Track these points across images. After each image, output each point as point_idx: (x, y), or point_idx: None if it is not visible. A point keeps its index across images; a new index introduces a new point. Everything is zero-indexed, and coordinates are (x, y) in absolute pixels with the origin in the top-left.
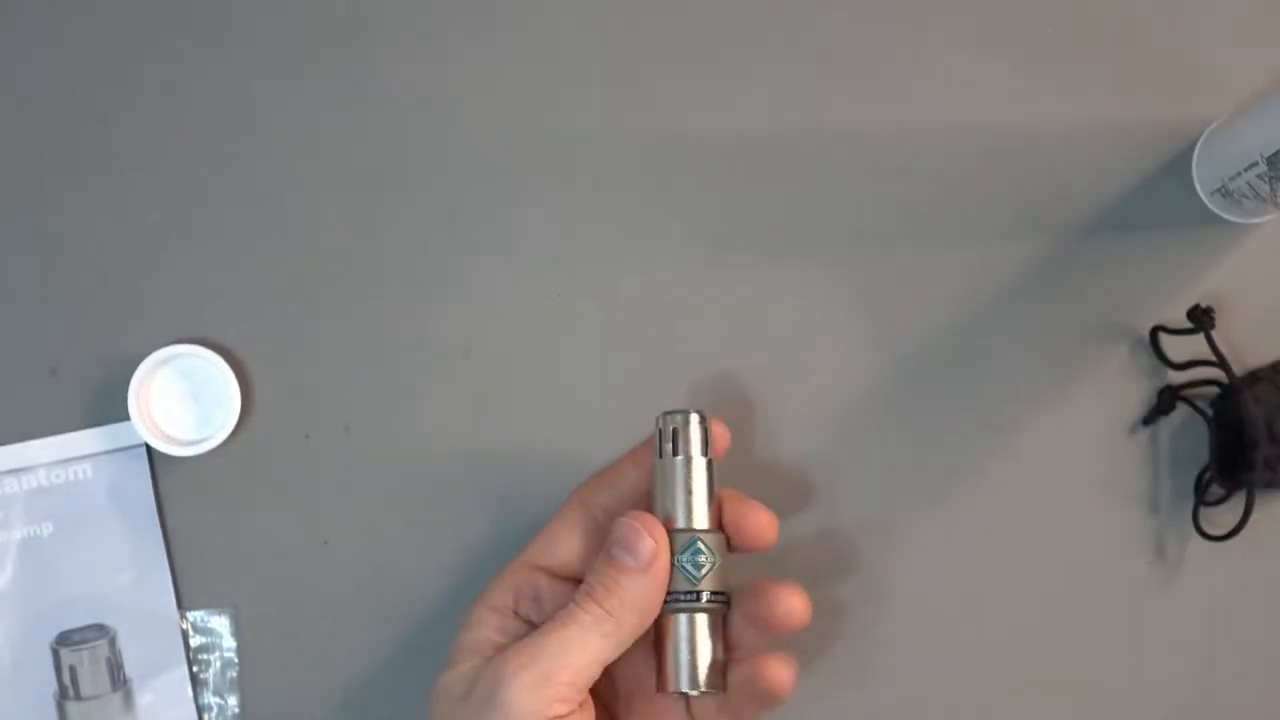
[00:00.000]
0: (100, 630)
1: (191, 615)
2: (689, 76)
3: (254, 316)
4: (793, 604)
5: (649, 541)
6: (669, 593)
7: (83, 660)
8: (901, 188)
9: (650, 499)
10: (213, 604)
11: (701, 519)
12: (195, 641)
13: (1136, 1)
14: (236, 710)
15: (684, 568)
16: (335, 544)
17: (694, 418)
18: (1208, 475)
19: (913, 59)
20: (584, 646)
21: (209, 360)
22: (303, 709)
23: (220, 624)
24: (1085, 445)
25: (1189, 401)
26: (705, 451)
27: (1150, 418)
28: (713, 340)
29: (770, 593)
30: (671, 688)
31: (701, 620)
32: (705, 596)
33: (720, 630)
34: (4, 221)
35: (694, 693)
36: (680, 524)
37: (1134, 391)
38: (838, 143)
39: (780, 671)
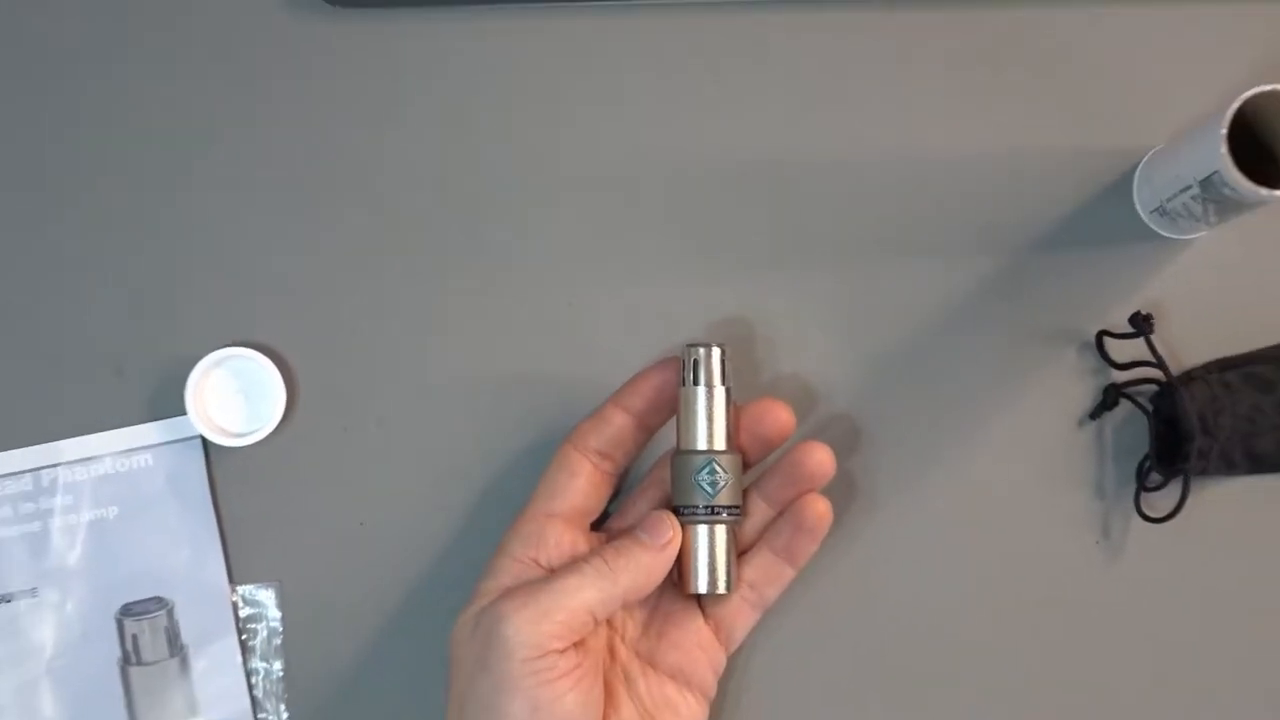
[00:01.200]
0: (159, 602)
1: (241, 589)
2: (694, 110)
3: (297, 323)
4: (820, 456)
5: (669, 530)
6: (689, 505)
7: (144, 629)
8: (878, 208)
9: (676, 422)
10: (260, 579)
11: (720, 440)
12: (244, 612)
13: (1086, 41)
14: (280, 674)
15: (701, 485)
16: (369, 524)
17: (715, 350)
18: (1148, 464)
19: (891, 96)
20: (579, 592)
21: (257, 361)
22: (340, 672)
23: (267, 597)
24: (1039, 437)
25: (1131, 398)
26: (724, 381)
27: (1096, 413)
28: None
29: (799, 450)
30: (690, 589)
31: (719, 531)
32: (721, 510)
33: (734, 540)
34: (78, 238)
35: (710, 592)
36: (701, 445)
37: (1082, 389)
38: (825, 169)
39: (819, 503)
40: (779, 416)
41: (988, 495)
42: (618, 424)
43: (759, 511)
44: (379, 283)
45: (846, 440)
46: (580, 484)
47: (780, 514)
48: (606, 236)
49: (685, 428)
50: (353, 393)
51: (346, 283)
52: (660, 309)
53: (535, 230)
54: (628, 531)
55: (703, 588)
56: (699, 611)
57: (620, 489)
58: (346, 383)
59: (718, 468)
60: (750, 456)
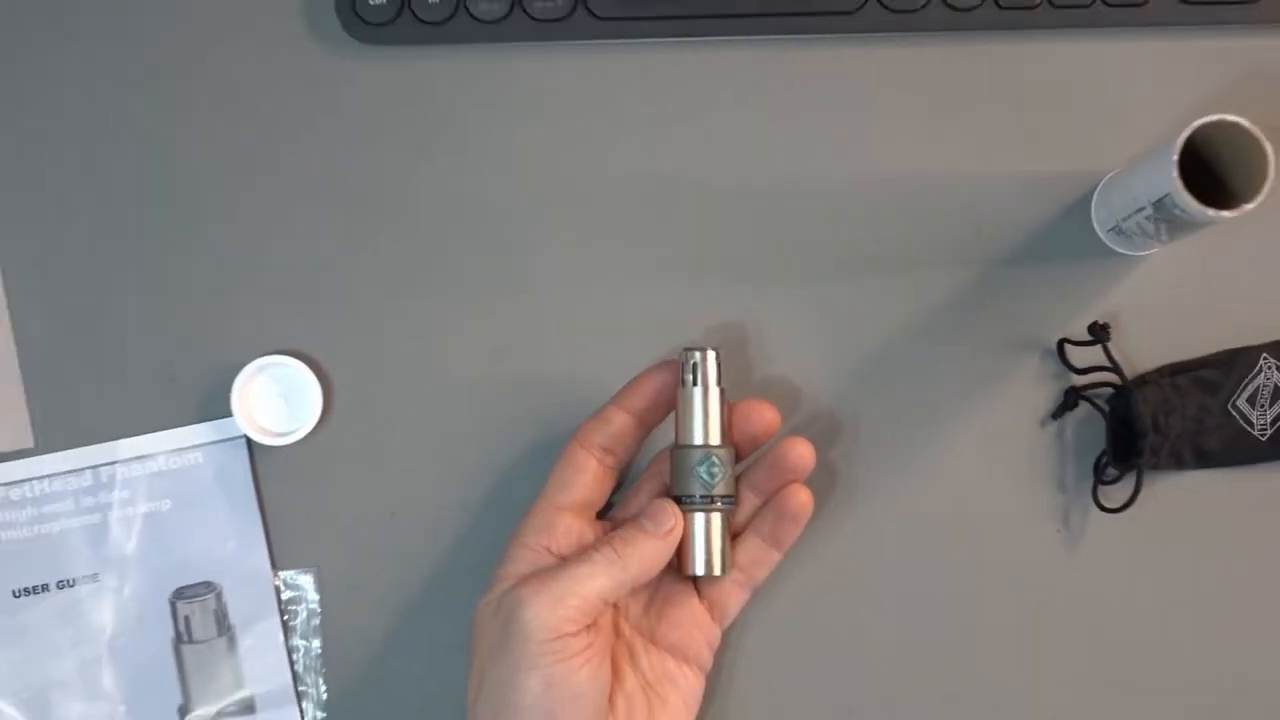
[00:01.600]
0: (209, 586)
1: (283, 574)
2: (696, 137)
3: (332, 333)
4: (802, 450)
5: (671, 518)
6: (688, 495)
7: (194, 611)
8: (860, 226)
9: (675, 419)
10: (300, 564)
11: (715, 436)
12: (286, 595)
13: (1048, 72)
14: (319, 651)
15: (700, 476)
16: (400, 515)
17: (711, 354)
18: (1104, 459)
19: (870, 124)
20: (592, 578)
21: (296, 368)
22: (373, 650)
23: (306, 581)
24: (1006, 435)
25: (1089, 400)
26: (719, 382)
27: (1058, 413)
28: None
29: (782, 444)
30: (689, 571)
31: (715, 518)
32: (717, 500)
33: (728, 526)
34: (135, 258)
35: (707, 574)
36: (698, 441)
37: (1045, 392)
38: (811, 190)
39: (801, 493)
40: (765, 414)
41: (958, 487)
42: (619, 422)
43: (748, 501)
44: (406, 296)
45: (828, 435)
46: (586, 478)
47: (766, 503)
48: (613, 252)
49: (684, 424)
50: (382, 396)
51: (377, 297)
52: (661, 318)
53: (548, 248)
54: (632, 520)
55: (700, 570)
56: (695, 592)
57: (622, 482)
58: (377, 387)
59: (715, 460)
60: (740, 450)
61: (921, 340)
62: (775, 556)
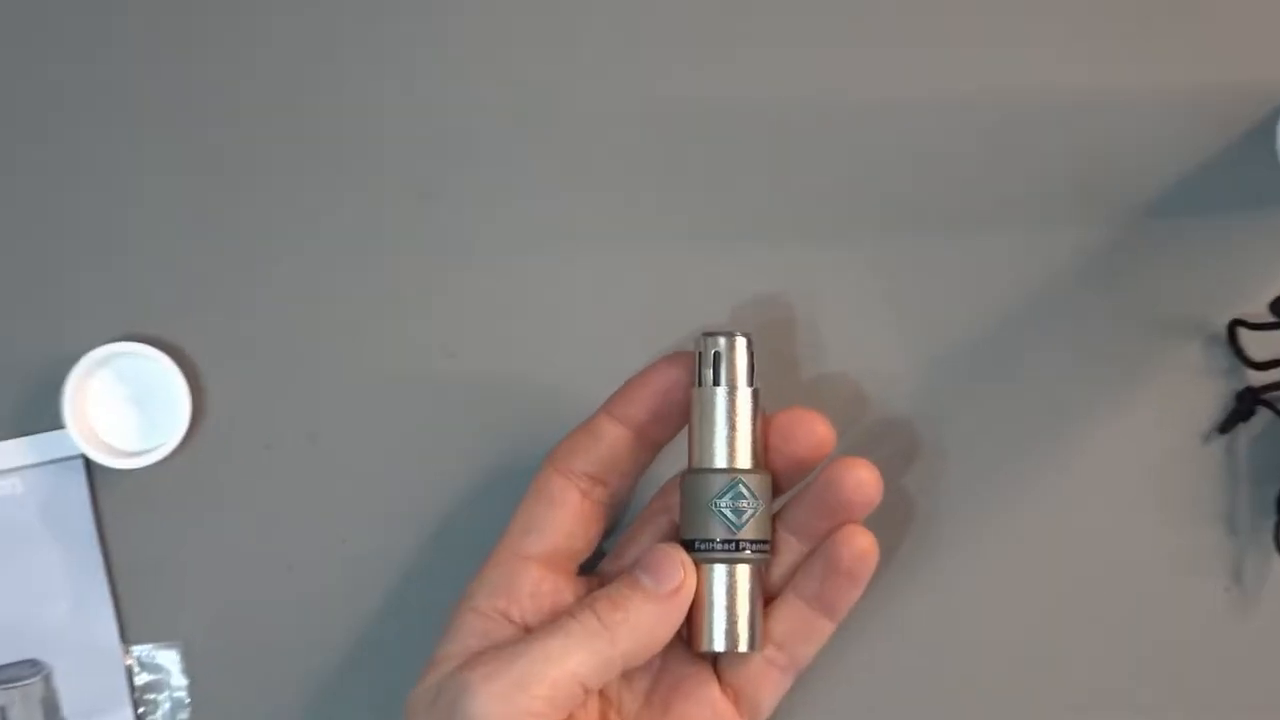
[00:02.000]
0: (33, 666)
1: (136, 650)
2: (704, 39)
3: (206, 310)
4: (862, 475)
5: (678, 571)
6: (704, 540)
7: (14, 700)
8: (946, 163)
9: (688, 433)
10: (160, 637)
11: (745, 457)
12: (141, 679)
13: None
14: None
15: (722, 513)
16: (301, 569)
17: (740, 341)
18: None
19: (954, 15)
20: (565, 657)
21: (155, 360)
22: None
23: (169, 660)
24: (1150, 455)
25: (1272, 406)
26: (750, 380)
27: (1227, 424)
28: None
29: (834, 468)
30: (704, 646)
31: (741, 573)
32: (746, 546)
33: (761, 584)
34: None
35: (729, 650)
36: (720, 463)
37: (1208, 394)
38: (877, 111)
39: (859, 537)
40: (815, 429)
41: (1084, 527)
42: (611, 439)
43: (788, 549)
44: (312, 264)
45: (903, 457)
46: (564, 516)
47: (814, 552)
48: (597, 204)
49: (701, 440)
50: (278, 401)
51: (270, 263)
52: (668, 293)
53: (504, 199)
54: (625, 575)
55: (720, 644)
56: (714, 677)
57: (617, 524)
58: (270, 388)
59: (743, 490)
60: (779, 479)
61: (1032, 321)
62: (826, 627)
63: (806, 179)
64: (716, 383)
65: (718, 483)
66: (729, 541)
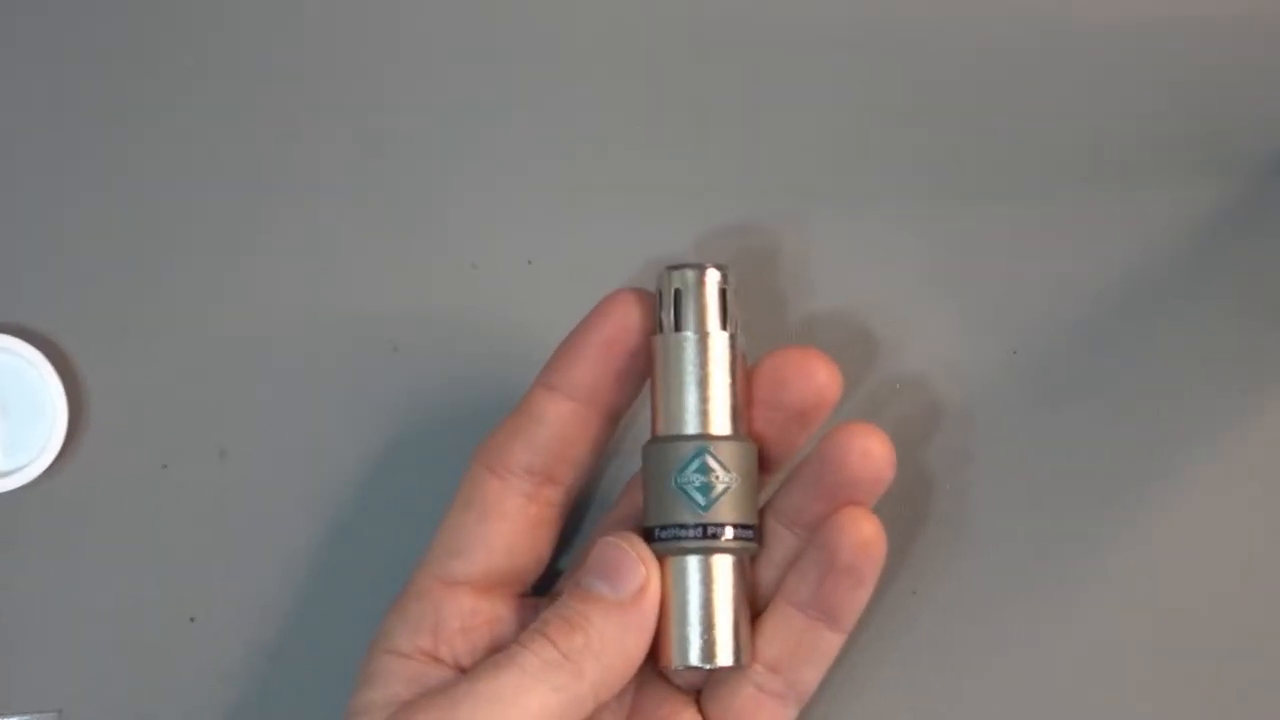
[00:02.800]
0: None
1: None
2: None
3: (87, 296)
4: (868, 445)
5: (638, 569)
6: (666, 525)
7: None
8: (1024, 94)
9: (650, 395)
10: (32, 705)
11: (720, 420)
12: None
13: None
14: None
15: (685, 490)
16: (204, 618)
17: (712, 275)
18: None
19: None
20: (523, 700)
21: (22, 355)
22: None
23: None
24: (1257, 448)
25: None
26: (726, 323)
27: None
28: (782, 304)
29: (832, 436)
30: (673, 662)
31: (718, 565)
32: (720, 530)
33: (746, 581)
34: None
35: (705, 665)
36: (687, 428)
37: None
38: (929, 29)
39: (861, 523)
40: (811, 375)
41: (1210, 558)
42: (555, 418)
43: (778, 544)
44: (222, 240)
45: (921, 424)
46: (502, 529)
47: (807, 545)
48: (576, 151)
49: (664, 402)
50: (178, 409)
51: (170, 238)
52: (661, 257)
53: (459, 147)
54: (574, 585)
55: (694, 658)
56: (695, 708)
57: (578, 526)
58: (166, 393)
59: (712, 461)
60: (768, 446)
61: (1152, 298)
62: (831, 640)
63: (838, 120)
64: (681, 327)
65: (680, 452)
66: (698, 526)
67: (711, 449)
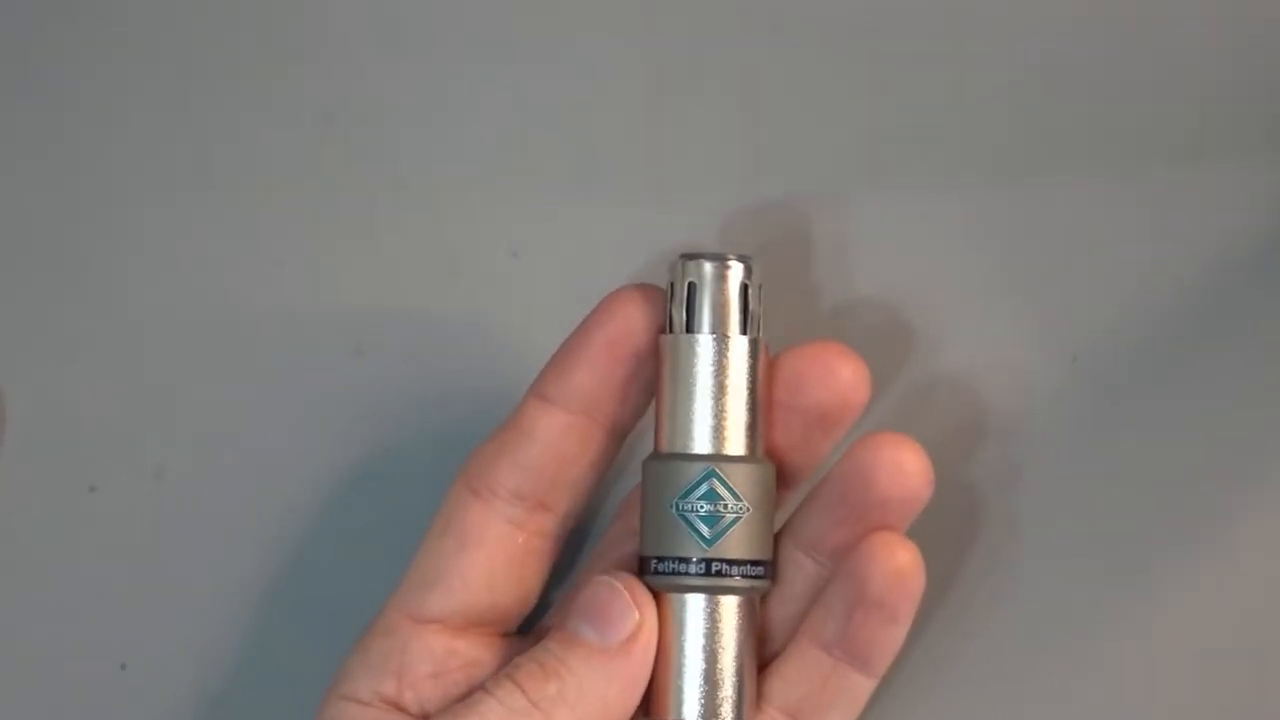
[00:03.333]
0: None
1: None
2: None
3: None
4: (901, 459)
5: (630, 615)
6: (669, 559)
7: None
8: (1107, 79)
9: (655, 403)
10: None
11: (734, 438)
12: None
13: None
14: None
15: (687, 519)
16: (136, 666)
17: (734, 268)
18: None
19: None
20: None
21: None
22: None
23: None
24: None
25: None
26: (746, 326)
27: None
28: (808, 297)
29: (860, 448)
30: (670, 715)
31: (725, 607)
32: (728, 569)
33: (754, 626)
34: None
35: None
36: (695, 446)
37: None
38: (1016, 11)
39: (896, 551)
40: (834, 370)
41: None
42: (550, 434)
43: (797, 574)
44: (150, 228)
45: (965, 435)
46: (484, 559)
47: (832, 576)
48: (568, 125)
49: (670, 411)
50: (108, 423)
51: (89, 225)
52: (669, 248)
53: (431, 123)
54: (559, 627)
55: (690, 714)
56: None
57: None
58: (97, 405)
59: (719, 487)
60: (787, 456)
61: (1218, 299)
62: (860, 685)
63: (924, 111)
64: (694, 328)
65: (685, 474)
66: (701, 562)
67: (721, 472)
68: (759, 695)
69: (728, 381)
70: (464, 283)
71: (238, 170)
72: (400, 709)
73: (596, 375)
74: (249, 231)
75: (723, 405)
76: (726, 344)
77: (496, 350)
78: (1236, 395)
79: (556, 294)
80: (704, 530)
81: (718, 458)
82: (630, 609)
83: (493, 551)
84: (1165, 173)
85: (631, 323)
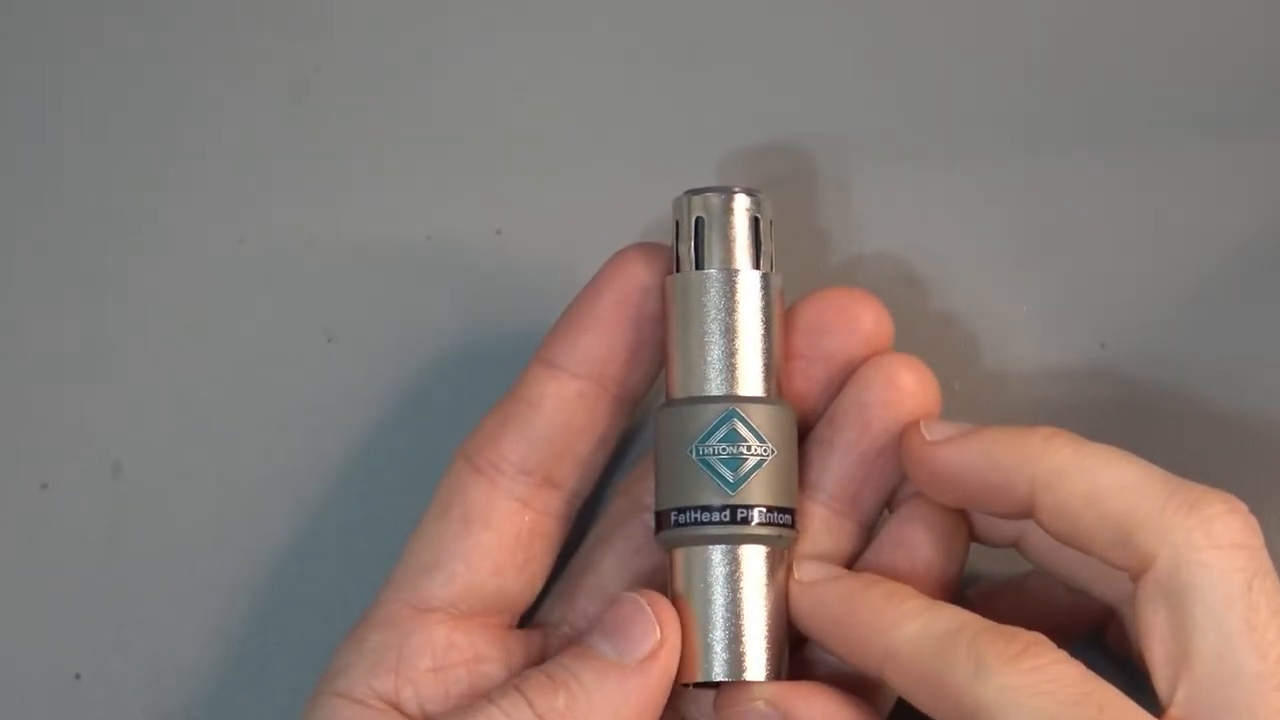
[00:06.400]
0: None
1: None
2: None
3: None
4: (904, 380)
5: (651, 631)
6: (684, 508)
7: None
8: (1142, 38)
9: (664, 348)
10: None
11: (752, 378)
12: None
13: None
14: None
15: (709, 463)
16: (91, 675)
17: (740, 200)
18: None
19: None
20: None
21: None
22: None
23: None
24: None
25: None
26: (758, 260)
27: None
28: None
29: (864, 372)
30: (696, 675)
31: (749, 558)
32: (750, 513)
33: (781, 577)
34: None
35: (732, 677)
36: (711, 388)
37: None
38: None
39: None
40: (856, 318)
41: None
42: (556, 401)
43: (821, 525)
44: (106, 205)
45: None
46: (489, 542)
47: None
48: (554, 93)
49: (682, 354)
50: (61, 415)
51: (42, 224)
52: (660, 223)
53: (409, 92)
54: (576, 642)
55: (718, 670)
56: None
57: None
58: (46, 396)
59: (743, 429)
60: (807, 416)
61: (1251, 276)
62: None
63: (958, 81)
64: (703, 264)
65: (703, 417)
66: (725, 509)
67: (741, 412)
68: (783, 657)
69: (741, 319)
70: (444, 263)
71: (204, 151)
72: (397, 707)
73: (606, 337)
74: (213, 210)
75: (736, 344)
76: (737, 278)
77: (476, 335)
78: (1270, 384)
79: (541, 274)
80: (727, 475)
81: (737, 399)
82: (652, 626)
83: (499, 533)
84: (1212, 146)
85: (641, 281)
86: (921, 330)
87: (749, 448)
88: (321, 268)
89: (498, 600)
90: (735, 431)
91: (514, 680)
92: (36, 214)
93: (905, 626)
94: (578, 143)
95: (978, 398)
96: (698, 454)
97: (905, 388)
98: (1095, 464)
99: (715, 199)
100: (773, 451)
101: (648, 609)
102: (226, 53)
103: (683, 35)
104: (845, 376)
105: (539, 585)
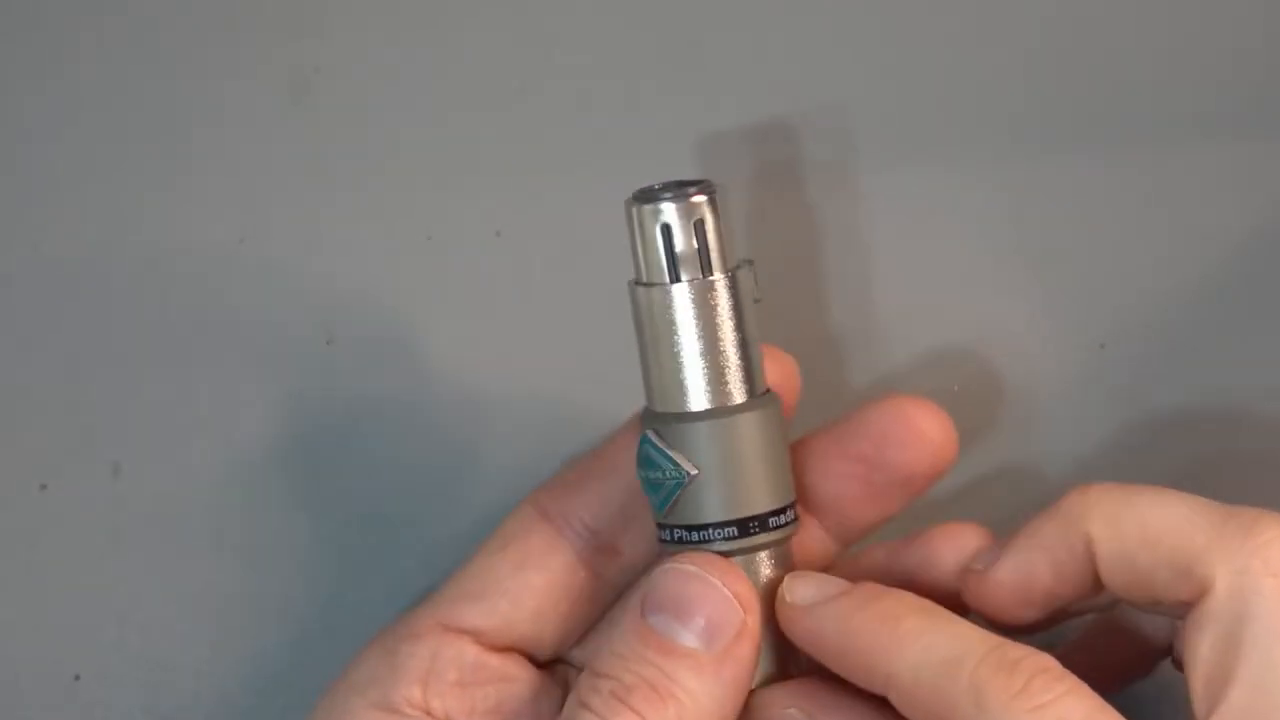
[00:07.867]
0: None
1: None
2: None
3: None
4: (920, 423)
5: (734, 614)
6: (668, 526)
7: None
8: (1146, 39)
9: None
10: None
11: (734, 383)
12: None
13: None
14: None
15: (644, 483)
16: (91, 676)
17: (701, 199)
18: None
19: None
20: None
21: None
22: None
23: None
24: None
25: None
26: (725, 264)
27: None
28: (817, 294)
29: (868, 412)
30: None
31: (758, 562)
32: (678, 534)
33: (785, 562)
34: None
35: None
36: (689, 403)
37: None
38: None
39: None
40: (926, 432)
41: None
42: (620, 482)
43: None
44: (105, 201)
45: (1024, 452)
46: (540, 585)
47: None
48: (553, 96)
49: (656, 366)
50: (60, 416)
51: (40, 220)
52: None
53: (409, 93)
54: (634, 623)
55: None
56: None
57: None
58: (47, 395)
59: (652, 448)
60: (857, 508)
61: (1249, 277)
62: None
63: (971, 76)
64: (640, 276)
65: (681, 434)
66: (665, 529)
67: (652, 438)
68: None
69: (716, 323)
70: (444, 264)
71: (204, 151)
72: (429, 715)
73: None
74: (213, 210)
75: (718, 350)
76: (714, 287)
77: (478, 337)
78: (1267, 383)
79: (541, 275)
80: (653, 498)
81: (655, 416)
82: (734, 608)
83: (551, 581)
84: (1199, 152)
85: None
86: (921, 330)
87: (664, 472)
88: (321, 268)
89: (530, 642)
90: (647, 454)
91: (610, 686)
92: (37, 214)
93: (904, 653)
94: (578, 143)
95: (977, 398)
96: (640, 474)
97: (928, 435)
98: (1142, 505)
99: (664, 208)
100: (685, 476)
101: (720, 586)
102: (226, 53)
103: (683, 35)
104: (907, 486)
105: (571, 642)
